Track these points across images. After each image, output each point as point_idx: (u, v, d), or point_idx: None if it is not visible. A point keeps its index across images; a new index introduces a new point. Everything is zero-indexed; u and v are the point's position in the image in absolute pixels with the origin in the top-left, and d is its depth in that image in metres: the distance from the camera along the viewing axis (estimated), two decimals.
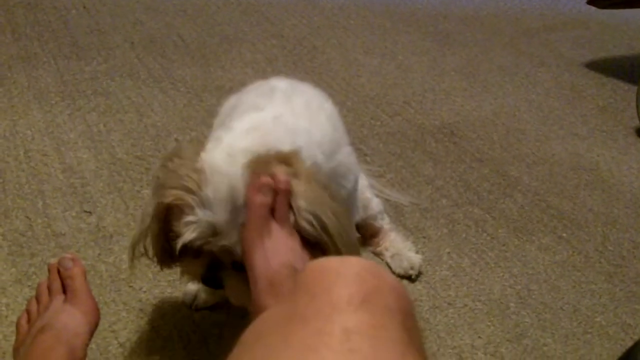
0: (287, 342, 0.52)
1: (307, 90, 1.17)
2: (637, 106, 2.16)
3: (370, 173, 1.63)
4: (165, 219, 0.95)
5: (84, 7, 2.57)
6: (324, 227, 0.90)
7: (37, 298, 1.04)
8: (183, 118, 1.85)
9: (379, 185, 1.60)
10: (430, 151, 1.87)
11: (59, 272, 1.03)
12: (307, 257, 0.89)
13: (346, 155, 1.13)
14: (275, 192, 0.89)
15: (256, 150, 0.92)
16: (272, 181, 0.89)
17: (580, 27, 3.16)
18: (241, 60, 2.29)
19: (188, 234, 0.90)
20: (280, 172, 0.90)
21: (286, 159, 0.92)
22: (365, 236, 1.43)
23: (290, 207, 0.90)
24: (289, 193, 0.90)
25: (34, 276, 1.24)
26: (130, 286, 1.23)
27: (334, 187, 1.00)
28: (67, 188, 1.49)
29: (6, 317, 1.15)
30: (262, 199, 0.89)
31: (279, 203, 0.90)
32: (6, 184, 1.48)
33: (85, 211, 1.43)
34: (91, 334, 0.97)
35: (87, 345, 0.95)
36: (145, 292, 1.23)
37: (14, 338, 1.10)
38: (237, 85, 2.06)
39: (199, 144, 0.96)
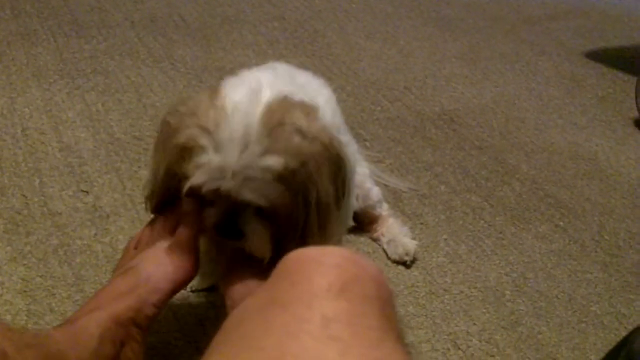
0: (267, 328, 0.52)
1: (305, 74, 1.15)
2: (636, 97, 2.16)
3: (369, 158, 1.62)
4: (177, 162, 0.87)
5: None
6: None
7: (152, 227, 1.01)
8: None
9: (377, 170, 1.60)
10: (430, 137, 1.86)
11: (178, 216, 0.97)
12: None
13: None
14: None
15: (282, 88, 0.87)
16: None
17: (582, 17, 3.14)
18: (242, 42, 2.28)
19: (197, 177, 0.83)
20: (299, 118, 0.84)
21: (308, 109, 0.86)
22: (364, 223, 1.43)
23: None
24: None
25: (29, 255, 1.23)
26: None
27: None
28: (65, 167, 1.49)
29: (1, 295, 1.14)
30: None
31: None
32: (3, 162, 1.48)
33: (82, 190, 1.42)
34: (172, 293, 0.93)
35: (162, 303, 0.91)
36: None
37: (8, 317, 1.10)
38: (238, 66, 2.04)
39: (213, 90, 0.89)
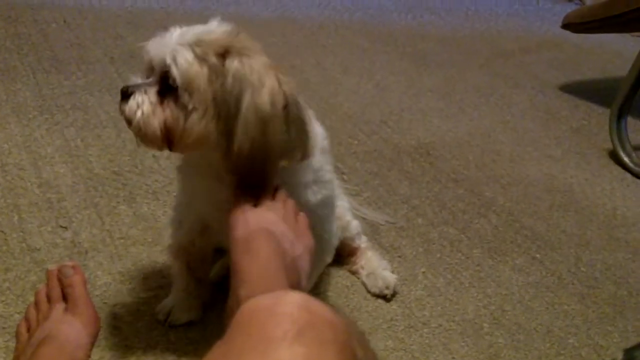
0: None
1: None
2: (610, 128, 2.20)
3: (347, 191, 1.64)
4: None
5: (64, 21, 2.56)
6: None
7: (36, 305, 1.04)
8: None
9: (355, 203, 1.61)
10: (407, 170, 1.88)
11: (59, 279, 1.03)
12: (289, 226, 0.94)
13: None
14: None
15: None
16: None
17: (555, 50, 3.21)
18: None
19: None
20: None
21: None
22: (343, 255, 1.44)
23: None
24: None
25: (7, 291, 1.23)
26: (105, 302, 1.23)
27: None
28: (43, 203, 1.48)
29: None
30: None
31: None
32: None
33: (61, 226, 1.42)
34: (92, 344, 0.98)
35: (89, 357, 0.96)
36: (120, 308, 1.23)
37: None
38: None
39: None
